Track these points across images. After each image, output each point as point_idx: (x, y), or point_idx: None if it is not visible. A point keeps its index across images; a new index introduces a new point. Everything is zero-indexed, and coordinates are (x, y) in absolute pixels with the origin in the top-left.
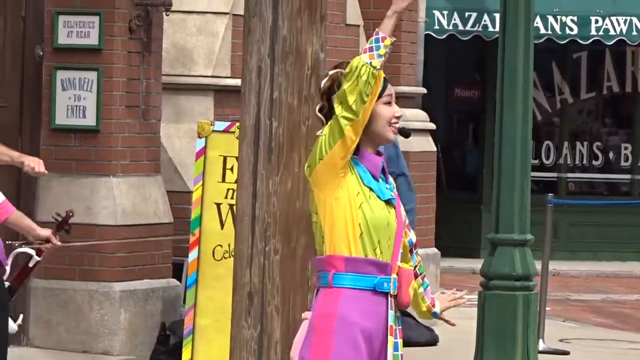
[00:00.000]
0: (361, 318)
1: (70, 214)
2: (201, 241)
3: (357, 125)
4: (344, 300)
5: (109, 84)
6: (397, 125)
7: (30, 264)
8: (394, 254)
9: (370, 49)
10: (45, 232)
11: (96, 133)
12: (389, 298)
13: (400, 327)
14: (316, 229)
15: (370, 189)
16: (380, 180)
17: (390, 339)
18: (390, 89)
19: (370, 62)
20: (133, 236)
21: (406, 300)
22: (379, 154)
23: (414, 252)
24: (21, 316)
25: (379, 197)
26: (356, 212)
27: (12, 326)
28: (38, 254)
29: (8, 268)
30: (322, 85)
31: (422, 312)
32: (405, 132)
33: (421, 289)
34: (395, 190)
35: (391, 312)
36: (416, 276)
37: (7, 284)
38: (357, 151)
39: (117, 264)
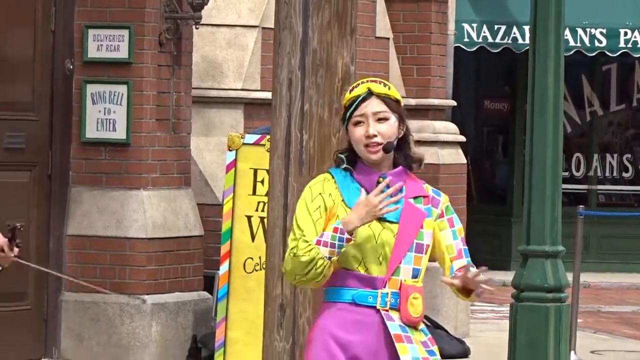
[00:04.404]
0: (338, 329)
1: (20, 228)
2: (232, 254)
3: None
4: (325, 312)
5: (139, 97)
6: (374, 142)
7: None
8: (388, 269)
9: (332, 245)
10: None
11: (126, 146)
12: (384, 311)
13: (429, 335)
14: None
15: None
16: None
17: (402, 345)
18: (363, 109)
19: (330, 257)
20: (164, 249)
21: (405, 316)
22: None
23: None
24: None
25: None
26: None
27: None
28: None
29: None
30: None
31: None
32: (385, 148)
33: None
34: (413, 211)
35: (391, 323)
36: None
37: None
38: (353, 162)
39: (148, 277)
